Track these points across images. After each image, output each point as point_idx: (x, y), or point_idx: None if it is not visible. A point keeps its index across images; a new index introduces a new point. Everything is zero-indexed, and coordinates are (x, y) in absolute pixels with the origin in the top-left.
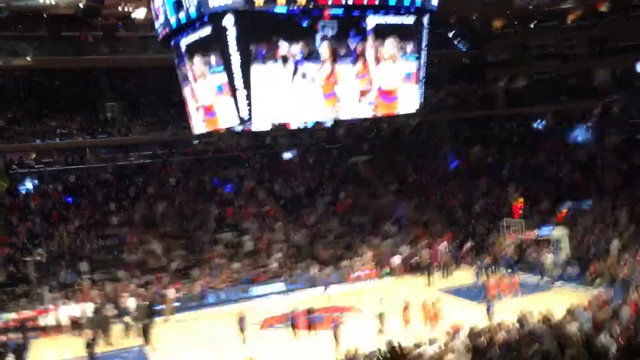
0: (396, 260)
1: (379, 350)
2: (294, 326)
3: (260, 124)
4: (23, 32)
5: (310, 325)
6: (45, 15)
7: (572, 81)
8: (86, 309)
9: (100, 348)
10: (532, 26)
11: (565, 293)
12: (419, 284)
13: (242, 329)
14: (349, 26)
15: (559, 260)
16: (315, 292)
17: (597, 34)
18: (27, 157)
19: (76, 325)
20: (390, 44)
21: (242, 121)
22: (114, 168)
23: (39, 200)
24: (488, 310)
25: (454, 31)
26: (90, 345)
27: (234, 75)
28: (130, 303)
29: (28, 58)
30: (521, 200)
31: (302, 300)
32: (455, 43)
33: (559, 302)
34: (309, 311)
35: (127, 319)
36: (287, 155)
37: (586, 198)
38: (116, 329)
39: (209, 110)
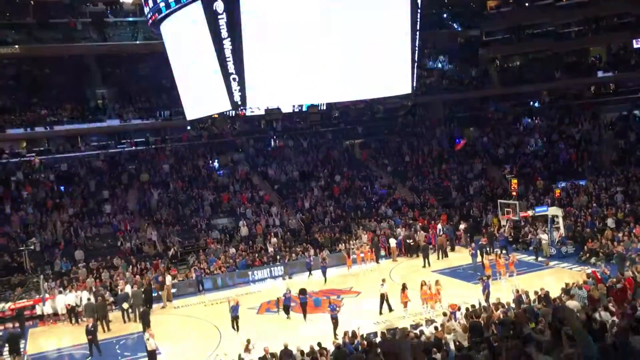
0: (392, 242)
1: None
2: (287, 308)
3: (254, 106)
4: (11, 20)
5: (302, 306)
6: (32, 2)
7: (567, 59)
8: (83, 297)
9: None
10: (526, 5)
11: (561, 272)
12: (416, 266)
13: (235, 317)
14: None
15: (554, 239)
16: (313, 276)
17: (592, 12)
18: (18, 146)
19: (73, 313)
20: (384, 25)
21: (235, 106)
22: (106, 155)
23: (31, 189)
24: (484, 290)
25: (448, 11)
26: (91, 332)
27: (227, 60)
28: (126, 290)
29: (16, 46)
30: (515, 180)
31: (298, 284)
32: (450, 23)
33: (555, 280)
34: (301, 292)
35: (125, 305)
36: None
37: (581, 176)
38: (114, 316)
39: (201, 96)
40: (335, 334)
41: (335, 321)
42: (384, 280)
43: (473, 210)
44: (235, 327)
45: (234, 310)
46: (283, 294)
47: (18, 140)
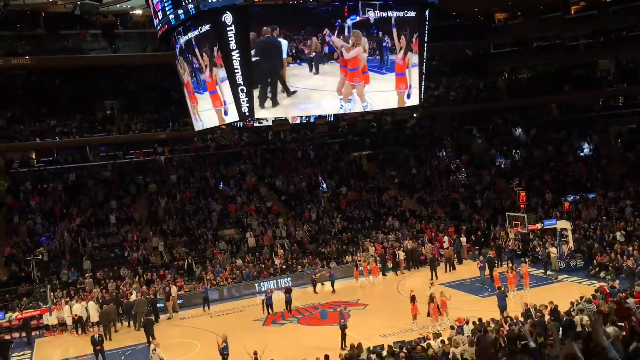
0: (400, 255)
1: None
2: (270, 305)
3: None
4: (21, 31)
5: (287, 304)
6: (43, 14)
7: (576, 72)
8: (89, 307)
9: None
10: (535, 17)
11: (570, 285)
12: (423, 279)
13: (224, 355)
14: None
15: (562, 252)
16: (319, 290)
17: (601, 25)
18: (28, 156)
19: (80, 324)
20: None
21: (243, 117)
22: (114, 166)
23: (39, 199)
24: (499, 302)
25: (456, 23)
26: (98, 342)
27: (235, 71)
28: (132, 299)
29: (27, 57)
30: (524, 193)
31: (327, 293)
32: (458, 35)
33: (564, 294)
34: (287, 290)
35: (134, 312)
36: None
37: (590, 189)
38: (120, 326)
39: (208, 106)
40: (343, 345)
41: (343, 332)
42: (432, 282)
43: (481, 223)
44: None
45: (223, 349)
46: (265, 293)
47: (27, 150)
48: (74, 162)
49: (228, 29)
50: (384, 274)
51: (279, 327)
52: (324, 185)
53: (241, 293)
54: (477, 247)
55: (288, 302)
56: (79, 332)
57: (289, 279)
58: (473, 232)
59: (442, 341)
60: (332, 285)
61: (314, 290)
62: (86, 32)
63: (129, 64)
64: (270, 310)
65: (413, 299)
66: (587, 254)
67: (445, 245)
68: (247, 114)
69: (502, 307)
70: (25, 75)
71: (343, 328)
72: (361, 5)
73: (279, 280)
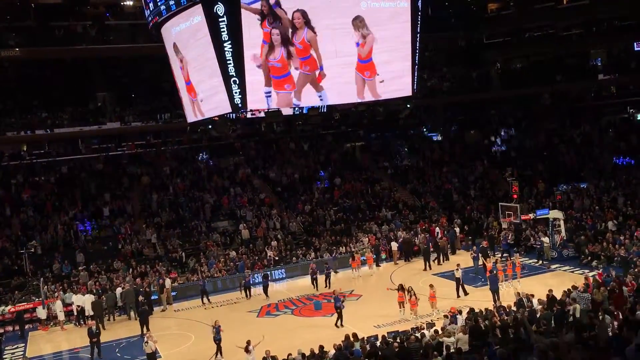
0: (394, 245)
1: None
2: (248, 288)
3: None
4: (11, 23)
5: (264, 289)
6: (33, 5)
7: (569, 62)
8: (83, 299)
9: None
10: (527, 7)
11: (563, 275)
12: (416, 269)
13: (217, 341)
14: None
15: (555, 242)
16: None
17: (593, 15)
18: (19, 149)
19: (73, 316)
20: (384, 27)
21: (236, 108)
22: (106, 158)
23: (31, 192)
24: (492, 286)
25: (449, 14)
26: (95, 335)
27: (227, 63)
28: (119, 290)
29: (17, 49)
30: (516, 183)
31: (341, 280)
32: (451, 25)
33: (557, 284)
34: (265, 276)
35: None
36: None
37: (582, 179)
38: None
39: (202, 98)
40: (339, 324)
41: (339, 312)
42: (458, 265)
43: (474, 213)
44: (220, 353)
45: (217, 332)
46: (244, 278)
47: (18, 142)
48: (66, 155)
49: (220, 20)
50: (377, 265)
51: (273, 319)
52: (325, 179)
53: (235, 285)
54: (470, 238)
55: (265, 287)
56: (79, 323)
57: (283, 270)
58: (466, 222)
59: (436, 331)
60: (327, 279)
61: (312, 284)
62: (77, 23)
63: (120, 55)
64: (247, 293)
65: (400, 287)
66: (579, 243)
67: (438, 235)
68: (240, 105)
69: (495, 291)
70: (16, 67)
71: (338, 309)
72: None
73: (273, 271)
